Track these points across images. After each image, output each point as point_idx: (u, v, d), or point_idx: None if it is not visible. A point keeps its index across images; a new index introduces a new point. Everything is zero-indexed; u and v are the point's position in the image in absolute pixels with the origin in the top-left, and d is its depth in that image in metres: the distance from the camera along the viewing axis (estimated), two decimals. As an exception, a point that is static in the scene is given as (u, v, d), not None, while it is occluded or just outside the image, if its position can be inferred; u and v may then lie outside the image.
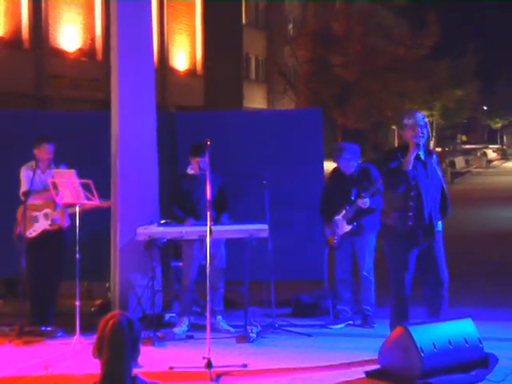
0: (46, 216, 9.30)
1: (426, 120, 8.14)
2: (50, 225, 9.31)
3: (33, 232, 9.22)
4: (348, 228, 9.35)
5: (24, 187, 9.28)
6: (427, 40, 44.96)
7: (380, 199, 9.25)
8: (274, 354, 8.31)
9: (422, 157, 7.95)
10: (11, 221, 9.42)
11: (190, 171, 9.51)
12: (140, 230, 9.10)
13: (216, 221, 9.19)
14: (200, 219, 9.11)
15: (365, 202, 9.21)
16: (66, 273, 9.15)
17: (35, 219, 9.25)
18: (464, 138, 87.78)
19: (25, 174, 9.32)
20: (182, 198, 9.47)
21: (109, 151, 9.73)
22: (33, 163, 9.27)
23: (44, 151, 9.29)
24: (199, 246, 9.20)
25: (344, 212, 9.35)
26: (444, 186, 8.19)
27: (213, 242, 8.64)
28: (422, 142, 7.91)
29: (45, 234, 9.28)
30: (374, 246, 9.51)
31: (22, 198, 9.28)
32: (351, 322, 9.41)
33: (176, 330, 9.17)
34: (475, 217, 22.81)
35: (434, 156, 8.16)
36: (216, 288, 9.28)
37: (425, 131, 7.99)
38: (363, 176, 9.40)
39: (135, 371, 3.80)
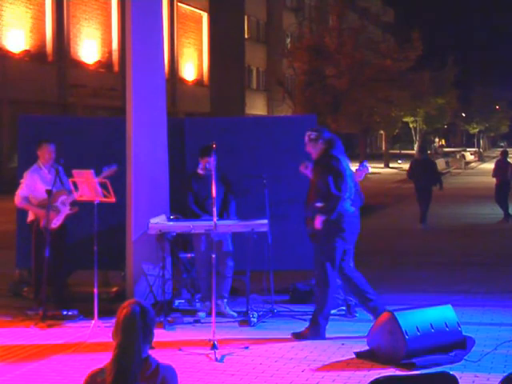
0: (64, 203, 9.27)
1: (308, 138, 8.44)
2: (71, 209, 9.28)
3: (57, 222, 9.20)
4: None
5: (26, 190, 9.31)
6: (411, 53, 44.86)
7: (358, 199, 9.13)
8: (273, 337, 8.29)
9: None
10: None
11: (199, 171, 9.49)
12: (152, 224, 9.07)
13: (221, 215, 9.19)
14: (209, 214, 9.03)
15: None
16: (87, 263, 9.10)
17: (56, 209, 9.23)
18: (443, 141, 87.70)
19: (30, 176, 9.36)
20: (194, 196, 9.47)
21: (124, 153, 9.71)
22: (38, 164, 9.36)
23: (46, 151, 9.38)
24: (205, 239, 9.19)
25: None
26: (325, 188, 8.20)
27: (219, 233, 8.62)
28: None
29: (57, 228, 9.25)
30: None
31: (21, 201, 9.34)
32: (344, 307, 9.33)
33: (201, 314, 9.19)
34: (456, 213, 22.77)
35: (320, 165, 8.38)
36: (224, 276, 9.27)
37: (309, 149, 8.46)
38: None
39: (148, 352, 3.79)
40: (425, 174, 19.10)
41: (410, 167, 20.27)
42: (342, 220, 8.23)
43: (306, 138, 8.47)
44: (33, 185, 9.34)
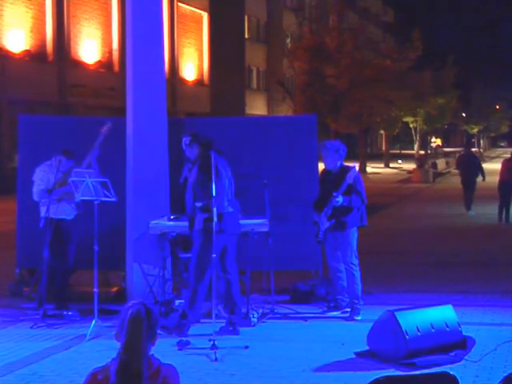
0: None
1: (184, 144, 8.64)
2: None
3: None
4: (327, 224, 9.23)
5: (40, 184, 9.36)
6: (411, 53, 44.87)
7: (357, 198, 9.12)
8: (273, 337, 8.29)
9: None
10: (34, 217, 9.44)
11: None
12: (152, 224, 9.06)
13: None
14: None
15: (337, 201, 9.07)
16: (86, 262, 9.11)
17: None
18: (438, 141, 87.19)
19: (39, 171, 9.47)
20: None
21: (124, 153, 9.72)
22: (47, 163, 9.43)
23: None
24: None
25: (325, 209, 9.23)
26: (202, 187, 8.37)
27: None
28: None
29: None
30: (355, 240, 9.33)
31: (37, 196, 9.38)
32: (348, 309, 9.27)
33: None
34: (456, 213, 22.78)
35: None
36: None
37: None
38: (342, 175, 9.20)
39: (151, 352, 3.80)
40: (469, 166, 21.93)
41: (457, 160, 24.36)
42: (221, 219, 8.34)
43: (183, 144, 8.67)
44: (46, 178, 9.33)
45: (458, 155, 26.28)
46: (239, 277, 9.42)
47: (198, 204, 8.39)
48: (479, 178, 21.89)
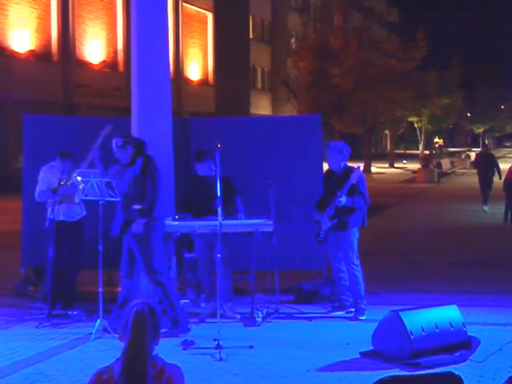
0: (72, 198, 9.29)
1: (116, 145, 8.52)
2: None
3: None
4: (329, 224, 9.20)
5: (42, 185, 9.39)
6: (416, 53, 44.80)
7: (360, 199, 9.10)
8: (277, 337, 8.29)
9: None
10: (39, 217, 9.45)
11: (199, 173, 9.50)
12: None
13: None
14: (210, 214, 9.02)
15: (340, 201, 9.03)
16: (91, 262, 9.12)
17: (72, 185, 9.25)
18: (440, 141, 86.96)
19: (43, 172, 9.51)
20: (194, 196, 9.50)
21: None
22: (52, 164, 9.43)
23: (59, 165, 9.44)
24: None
25: (328, 209, 9.21)
26: (143, 189, 8.35)
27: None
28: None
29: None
30: (356, 241, 9.28)
31: (39, 196, 9.42)
32: (353, 309, 9.27)
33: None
34: (460, 212, 22.76)
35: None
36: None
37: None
38: (346, 176, 9.19)
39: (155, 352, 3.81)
40: (486, 165, 23.24)
41: (475, 160, 26.19)
42: (160, 221, 8.45)
43: (114, 146, 8.59)
44: (47, 179, 9.36)
45: (475, 154, 28.59)
46: (244, 277, 9.46)
47: (137, 207, 8.37)
48: (495, 177, 23.09)
